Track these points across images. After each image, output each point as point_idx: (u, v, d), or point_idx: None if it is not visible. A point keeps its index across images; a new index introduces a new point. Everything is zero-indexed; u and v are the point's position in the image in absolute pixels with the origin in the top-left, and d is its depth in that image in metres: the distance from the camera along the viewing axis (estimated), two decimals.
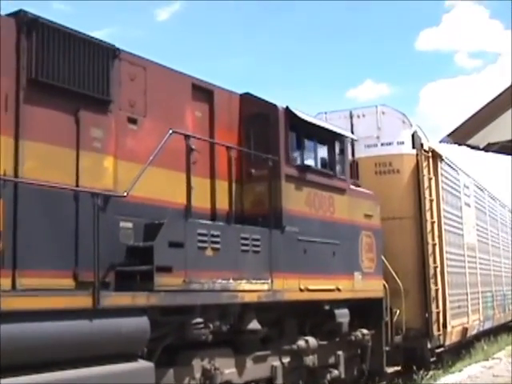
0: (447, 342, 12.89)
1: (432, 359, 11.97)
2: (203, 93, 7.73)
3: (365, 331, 9.72)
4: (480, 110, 8.04)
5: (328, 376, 8.96)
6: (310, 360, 8.58)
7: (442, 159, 13.62)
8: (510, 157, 9.10)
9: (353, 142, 12.30)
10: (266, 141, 8.10)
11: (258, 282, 7.37)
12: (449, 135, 8.75)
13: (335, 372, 9.09)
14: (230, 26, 51.11)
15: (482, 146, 8.66)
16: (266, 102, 8.17)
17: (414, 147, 12.28)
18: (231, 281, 6.96)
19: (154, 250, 5.98)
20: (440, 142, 10.35)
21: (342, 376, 9.25)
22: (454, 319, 13.36)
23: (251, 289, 7.24)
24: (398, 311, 11.03)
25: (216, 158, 7.72)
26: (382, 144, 12.33)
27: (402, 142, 12.28)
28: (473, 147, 8.69)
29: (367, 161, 12.32)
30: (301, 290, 8.09)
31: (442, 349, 12.59)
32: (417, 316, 11.90)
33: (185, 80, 7.43)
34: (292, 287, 7.95)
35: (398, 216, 12.07)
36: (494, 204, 19.87)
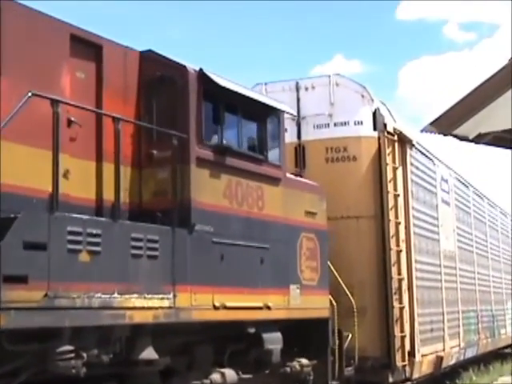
0: (415, 375, 12.78)
1: None
2: (88, 47, 7.29)
3: (304, 361, 9.45)
4: (470, 94, 8.03)
5: None
6: None
7: (413, 145, 13.53)
8: (506, 150, 9.13)
9: (299, 121, 12.15)
10: (173, 113, 7.73)
11: (155, 296, 6.97)
12: (432, 123, 8.68)
13: None
14: None
15: (471, 137, 8.70)
16: (173, 61, 7.80)
17: (375, 128, 12.10)
18: (116, 295, 6.53)
19: (1, 252, 5.51)
20: (422, 131, 10.20)
21: None
22: (425, 346, 13.28)
23: (145, 306, 6.84)
24: (350, 335, 10.80)
25: (104, 135, 7.29)
26: (336, 124, 12.14)
27: (361, 122, 12.09)
28: (461, 138, 8.74)
29: (316, 145, 12.12)
30: (215, 308, 7.74)
31: None
32: (375, 341, 11.76)
33: (60, 28, 6.96)
34: (203, 304, 7.59)
35: (354, 215, 11.92)
36: (482, 203, 19.95)
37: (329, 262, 10.72)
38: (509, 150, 9.35)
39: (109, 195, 7.24)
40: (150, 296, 6.90)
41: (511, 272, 22.64)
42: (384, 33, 56.86)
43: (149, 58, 7.86)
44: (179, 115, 7.67)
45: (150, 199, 7.65)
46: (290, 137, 12.03)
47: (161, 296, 7.04)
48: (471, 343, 16.81)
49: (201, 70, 7.83)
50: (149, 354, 7.03)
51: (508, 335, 21.30)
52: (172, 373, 7.76)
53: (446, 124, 8.42)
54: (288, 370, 9.22)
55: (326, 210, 11.43)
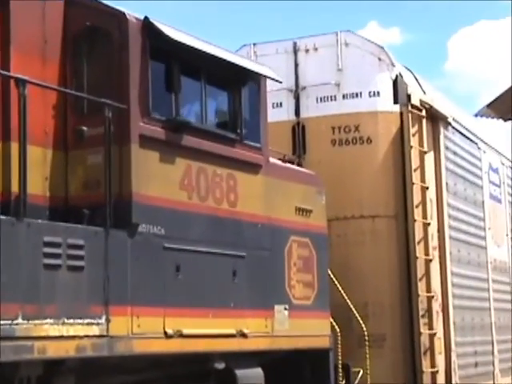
0: None
1: None
2: None
3: None
4: None
5: None
6: None
7: (448, 123, 12.92)
8: None
9: (298, 93, 11.61)
10: (109, 76, 7.19)
11: (80, 321, 6.42)
12: (489, 106, 9.48)
13: None
14: None
15: None
16: (108, 7, 7.26)
17: (396, 101, 11.53)
18: (20, 320, 5.98)
19: None
20: (476, 115, 9.96)
21: None
22: None
23: (64, 334, 6.29)
24: (361, 372, 10.24)
25: (12, 105, 6.76)
26: (345, 96, 11.63)
27: (377, 93, 11.57)
28: None
29: (320, 123, 11.64)
30: (167, 336, 7.20)
31: None
32: (397, 379, 11.21)
33: None
34: (150, 331, 7.06)
35: (369, 214, 11.44)
36: None
37: (332, 275, 10.22)
38: None
39: (17, 187, 6.73)
40: (71, 321, 6.36)
41: None
42: None
43: (77, 5, 7.34)
44: (116, 79, 7.13)
45: (79, 192, 7.12)
46: (286, 113, 11.80)
47: (87, 321, 6.49)
48: None
49: (146, 18, 7.29)
50: None
51: None
52: None
53: (505, 107, 9.02)
54: None
55: (328, 207, 11.04)
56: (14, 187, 6.65)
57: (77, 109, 7.22)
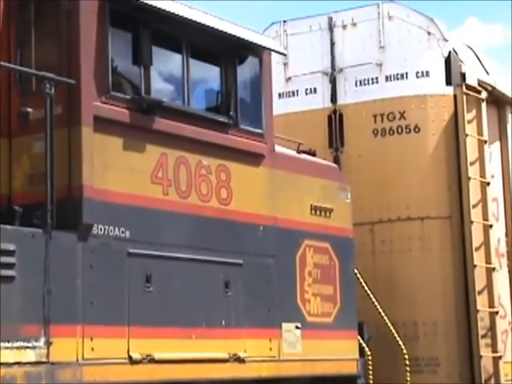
0: None
1: None
2: None
3: None
4: None
5: None
6: None
7: None
8: None
9: (334, 75, 10.59)
10: (57, 47, 6.30)
11: (8, 345, 5.52)
12: None
13: None
14: None
15: None
16: None
17: (449, 82, 10.38)
18: None
19: None
20: None
21: None
22: None
23: None
24: None
25: None
26: (388, 78, 10.63)
27: (426, 73, 10.51)
28: None
29: (360, 110, 10.67)
30: (132, 362, 6.26)
31: None
32: None
33: None
34: (109, 355, 6.13)
35: (418, 215, 10.39)
36: None
37: (366, 288, 9.16)
38: None
39: None
40: None
41: None
42: None
43: None
44: (64, 49, 6.26)
45: (25, 187, 6.24)
46: (321, 100, 10.87)
47: (18, 344, 5.59)
48: None
49: None
50: None
51: None
52: None
53: None
54: None
55: (370, 208, 10.25)
56: None
57: (22, 87, 6.36)
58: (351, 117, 10.56)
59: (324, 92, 10.68)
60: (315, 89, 10.73)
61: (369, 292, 9.26)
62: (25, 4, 6.42)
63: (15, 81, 6.37)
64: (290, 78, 10.85)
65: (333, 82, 10.66)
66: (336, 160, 10.37)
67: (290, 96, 10.86)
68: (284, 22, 10.92)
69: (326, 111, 10.64)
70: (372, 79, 10.55)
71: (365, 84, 10.58)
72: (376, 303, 9.27)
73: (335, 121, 10.60)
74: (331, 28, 10.75)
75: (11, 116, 6.34)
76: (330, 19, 10.77)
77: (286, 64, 10.84)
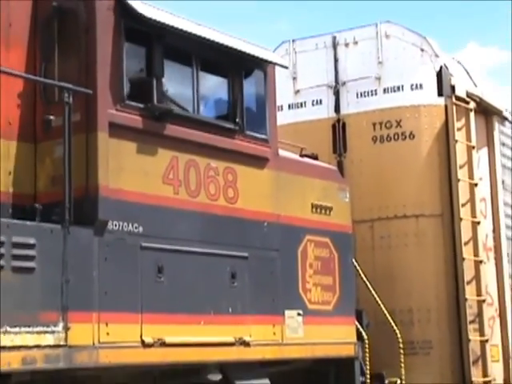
0: None
1: None
2: None
3: None
4: None
5: None
6: None
7: (504, 118, 11.32)
8: None
9: (337, 88, 10.29)
10: (77, 60, 6.04)
11: (28, 330, 5.26)
12: None
13: None
14: None
15: None
16: None
17: (441, 94, 10.03)
18: None
19: None
20: None
21: None
22: None
23: (6, 345, 5.11)
24: (398, 382, 8.79)
25: None
26: (386, 90, 10.24)
27: (420, 86, 10.12)
28: None
29: (361, 119, 10.29)
30: (145, 345, 5.97)
31: None
32: None
33: None
34: (123, 339, 5.86)
35: (413, 213, 10.00)
36: None
37: (365, 279, 8.85)
38: None
39: None
40: (15, 330, 5.20)
41: None
42: None
43: None
44: (83, 62, 5.98)
45: (48, 188, 5.95)
46: (326, 110, 10.51)
47: (38, 329, 5.32)
48: None
49: None
50: None
51: None
52: None
53: None
54: None
55: (370, 207, 10.03)
56: None
57: (46, 97, 6.09)
58: (353, 125, 10.20)
59: (329, 103, 10.36)
60: (321, 100, 10.41)
61: (367, 282, 8.93)
62: (49, 21, 6.14)
63: (40, 91, 6.09)
64: (298, 91, 10.54)
65: (336, 94, 10.32)
66: (340, 164, 10.03)
67: (298, 107, 10.55)
68: (293, 40, 10.60)
69: (330, 120, 10.30)
70: (371, 91, 10.20)
71: (365, 96, 10.23)
72: (374, 293, 8.92)
73: (339, 129, 10.25)
74: (335, 46, 10.41)
75: (36, 123, 6.06)
76: (334, 38, 10.43)
77: (295, 78, 10.54)
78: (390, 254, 9.86)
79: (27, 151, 6.02)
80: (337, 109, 10.32)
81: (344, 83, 10.32)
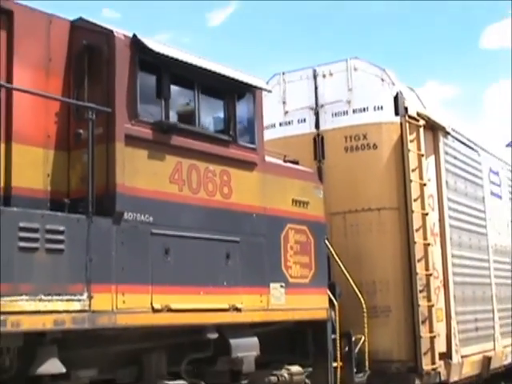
0: (454, 378, 10.14)
1: None
2: None
3: (294, 369, 7.20)
4: None
5: None
6: None
7: (447, 133, 10.91)
8: None
9: (317, 110, 9.94)
10: (101, 86, 5.76)
11: (59, 298, 5.00)
12: None
13: None
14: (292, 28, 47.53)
15: None
16: (100, 27, 5.85)
17: (397, 113, 9.66)
18: None
19: None
20: (507, 145, 9.98)
21: None
22: (468, 346, 10.61)
23: (41, 309, 4.88)
24: (363, 338, 8.45)
25: (16, 111, 5.42)
26: (355, 110, 9.80)
27: (381, 107, 9.70)
28: None
29: (335, 134, 9.83)
30: (155, 310, 5.68)
31: None
32: (401, 344, 9.30)
33: None
34: (137, 306, 5.57)
35: (376, 207, 9.55)
36: None
37: (337, 258, 8.50)
38: None
39: (19, 182, 5.41)
40: (49, 298, 4.94)
41: None
42: (469, 58, 52.49)
43: (79, 27, 5.94)
44: (105, 87, 5.70)
45: (78, 186, 5.67)
46: (308, 127, 10.07)
47: (67, 297, 5.06)
48: None
49: (134, 35, 5.84)
50: (49, 367, 5.04)
51: None
52: None
53: None
54: (274, 379, 6.99)
55: (342, 202, 9.60)
56: (16, 183, 5.38)
57: (77, 115, 5.80)
58: (329, 138, 9.80)
59: (310, 121, 9.98)
60: (304, 119, 10.04)
61: (339, 261, 8.57)
62: (80, 56, 5.85)
63: (73, 111, 5.81)
64: (287, 112, 10.18)
65: (316, 114, 9.95)
66: (319, 169, 9.64)
67: (287, 124, 10.19)
68: (283, 73, 10.28)
69: (312, 135, 9.90)
70: (343, 112, 9.81)
71: (338, 115, 9.83)
72: (344, 269, 8.57)
73: (318, 141, 9.85)
74: (315, 77, 10.03)
75: (69, 136, 5.77)
76: (314, 71, 10.06)
77: (284, 102, 10.19)
78: (359, 238, 9.48)
79: (62, 158, 5.73)
80: (317, 125, 9.94)
81: (322, 106, 9.95)
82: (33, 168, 5.51)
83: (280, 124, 10.24)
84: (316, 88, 10.03)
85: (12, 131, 5.38)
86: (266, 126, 10.28)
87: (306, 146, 9.87)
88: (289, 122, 10.21)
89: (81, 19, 5.95)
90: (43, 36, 5.71)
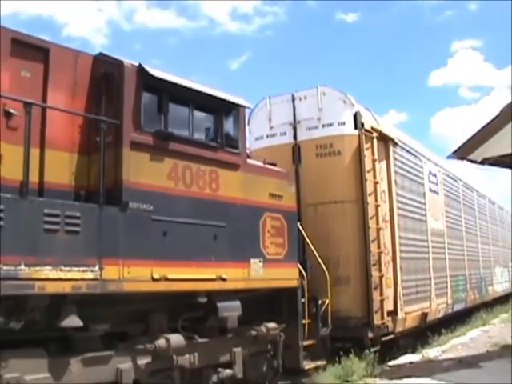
0: (399, 329, 9.78)
1: (374, 348, 8.84)
2: (33, 50, 5.17)
3: (271, 325, 6.86)
4: (477, 133, 8.10)
5: (214, 377, 6.15)
6: (186, 360, 5.83)
7: (396, 143, 10.52)
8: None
9: (295, 125, 9.58)
10: (113, 104, 5.46)
11: (76, 269, 4.73)
12: (454, 152, 8.70)
13: (226, 371, 6.27)
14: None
15: (479, 160, 8.81)
16: (113, 59, 5.54)
17: (356, 128, 9.30)
18: (22, 267, 4.37)
19: None
20: (447, 157, 9.43)
21: (239, 375, 6.41)
22: (410, 305, 10.23)
23: (61, 277, 4.62)
24: (327, 301, 8.10)
25: (49, 125, 5.13)
26: (324, 125, 9.42)
27: (343, 123, 9.32)
28: (472, 161, 8.79)
29: (309, 144, 9.45)
30: (154, 280, 5.37)
31: (391, 336, 9.48)
32: (358, 305, 8.94)
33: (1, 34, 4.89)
34: (139, 276, 5.26)
35: (340, 200, 9.17)
36: (471, 194, 16.28)
37: (308, 240, 8.15)
38: (507, 169, 9.61)
39: (51, 178, 5.13)
40: (67, 268, 4.67)
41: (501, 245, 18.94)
42: (421, 93, 52.59)
43: (99, 60, 5.64)
44: (115, 104, 5.39)
45: (96, 182, 5.35)
46: (288, 138, 9.68)
47: (83, 268, 4.78)
48: (460, 299, 13.40)
49: (140, 65, 5.52)
50: (71, 321, 4.77)
51: (495, 291, 17.46)
52: (126, 338, 5.50)
53: (462, 152, 8.55)
54: (254, 333, 6.66)
55: (314, 196, 9.21)
56: (48, 178, 5.11)
57: (97, 127, 5.49)
58: (304, 147, 9.42)
59: (290, 134, 9.61)
60: (285, 132, 9.68)
61: (309, 242, 8.23)
62: (99, 81, 5.55)
63: (93, 123, 5.52)
64: (272, 127, 9.82)
65: (294, 128, 9.58)
66: (296, 171, 9.30)
67: (272, 136, 9.83)
68: (269, 97, 9.93)
69: (291, 144, 9.53)
70: (315, 126, 9.42)
71: (311, 129, 9.45)
72: (312, 248, 8.22)
73: (296, 149, 9.49)
74: (293, 100, 9.66)
75: (90, 143, 5.47)
76: (293, 95, 9.69)
77: (270, 119, 9.83)
78: (327, 224, 9.10)
79: (84, 160, 5.42)
80: (295, 137, 9.57)
81: (299, 122, 9.59)
82: (60, 168, 5.22)
83: (267, 136, 9.89)
84: (294, 108, 9.67)
85: (45, 140, 5.10)
86: (256, 137, 10.07)
87: (286, 152, 9.51)
88: (273, 135, 9.86)
89: (101, 54, 5.65)
90: (71, 67, 5.42)
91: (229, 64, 50.07)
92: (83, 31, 46.55)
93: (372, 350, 8.69)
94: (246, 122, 10.04)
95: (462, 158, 8.98)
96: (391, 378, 8.02)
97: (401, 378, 8.00)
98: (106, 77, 5.49)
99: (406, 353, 10.07)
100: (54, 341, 4.91)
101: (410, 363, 9.27)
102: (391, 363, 9.25)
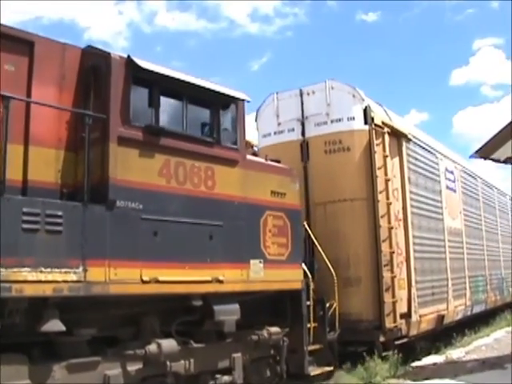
0: (413, 332, 9.32)
1: (386, 353, 8.39)
2: (17, 43, 4.93)
3: (273, 329, 6.49)
4: (500, 131, 7.78)
5: (212, 383, 5.82)
6: (180, 366, 5.52)
7: (409, 139, 10.03)
8: None
9: (303, 121, 9.19)
10: (100, 97, 5.18)
11: (57, 270, 4.44)
12: (476, 152, 8.44)
13: (225, 378, 5.93)
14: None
15: (502, 159, 8.60)
16: (101, 51, 5.26)
17: (366, 123, 8.87)
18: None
19: None
20: (470, 157, 9.06)
21: (239, 382, 6.07)
22: (425, 307, 9.75)
23: (41, 279, 4.34)
24: (335, 304, 7.70)
25: (33, 120, 4.88)
26: (332, 121, 9.02)
27: (353, 118, 8.91)
28: (495, 160, 8.61)
29: (317, 140, 9.06)
30: (144, 282, 5.06)
31: (404, 340, 9.01)
32: (369, 307, 8.52)
33: None
34: (127, 278, 4.96)
35: (350, 197, 8.77)
36: (491, 191, 15.61)
37: (314, 239, 7.79)
38: None
39: (34, 176, 4.87)
40: (48, 270, 4.39)
41: None
42: (442, 92, 51.53)
43: (88, 52, 5.37)
44: (103, 98, 5.10)
45: (82, 179, 5.05)
46: (296, 135, 9.30)
47: (65, 270, 4.50)
48: (479, 301, 12.82)
49: (128, 56, 5.23)
50: (52, 326, 4.50)
51: None
52: (116, 343, 5.21)
53: (485, 152, 8.25)
54: (255, 337, 6.31)
55: (322, 194, 8.84)
56: (32, 176, 4.83)
57: (82, 122, 5.22)
58: (313, 143, 9.04)
59: (298, 130, 9.25)
60: (293, 128, 9.32)
61: (316, 242, 7.86)
62: (87, 74, 5.29)
63: (79, 118, 5.24)
64: (280, 123, 9.47)
65: (302, 124, 9.22)
66: (305, 168, 8.97)
67: (280, 133, 9.48)
68: (276, 92, 9.58)
69: (299, 141, 9.17)
70: (323, 122, 9.05)
71: (319, 125, 9.08)
72: (320, 248, 7.84)
73: (304, 146, 9.12)
74: (301, 95, 9.29)
75: (77, 139, 5.18)
76: (301, 90, 9.32)
77: (277, 115, 9.48)
78: (337, 223, 8.72)
79: (71, 157, 5.16)
80: (303, 133, 9.20)
81: (307, 117, 9.22)
82: (46, 165, 4.96)
83: (274, 133, 9.54)
84: (302, 104, 9.30)
85: (29, 136, 4.84)
86: (264, 134, 9.72)
87: (294, 149, 9.17)
88: (281, 131, 9.51)
89: (89, 46, 5.38)
90: (58, 60, 5.16)
91: (250, 65, 49.93)
92: (104, 34, 46.92)
93: (384, 354, 8.26)
94: (254, 118, 9.82)
95: (485, 158, 8.59)
96: (414, 380, 7.62)
97: (424, 379, 7.60)
98: (93, 70, 5.23)
99: (429, 354, 9.61)
100: (37, 346, 4.65)
101: (434, 364, 8.82)
102: (414, 364, 8.81)
